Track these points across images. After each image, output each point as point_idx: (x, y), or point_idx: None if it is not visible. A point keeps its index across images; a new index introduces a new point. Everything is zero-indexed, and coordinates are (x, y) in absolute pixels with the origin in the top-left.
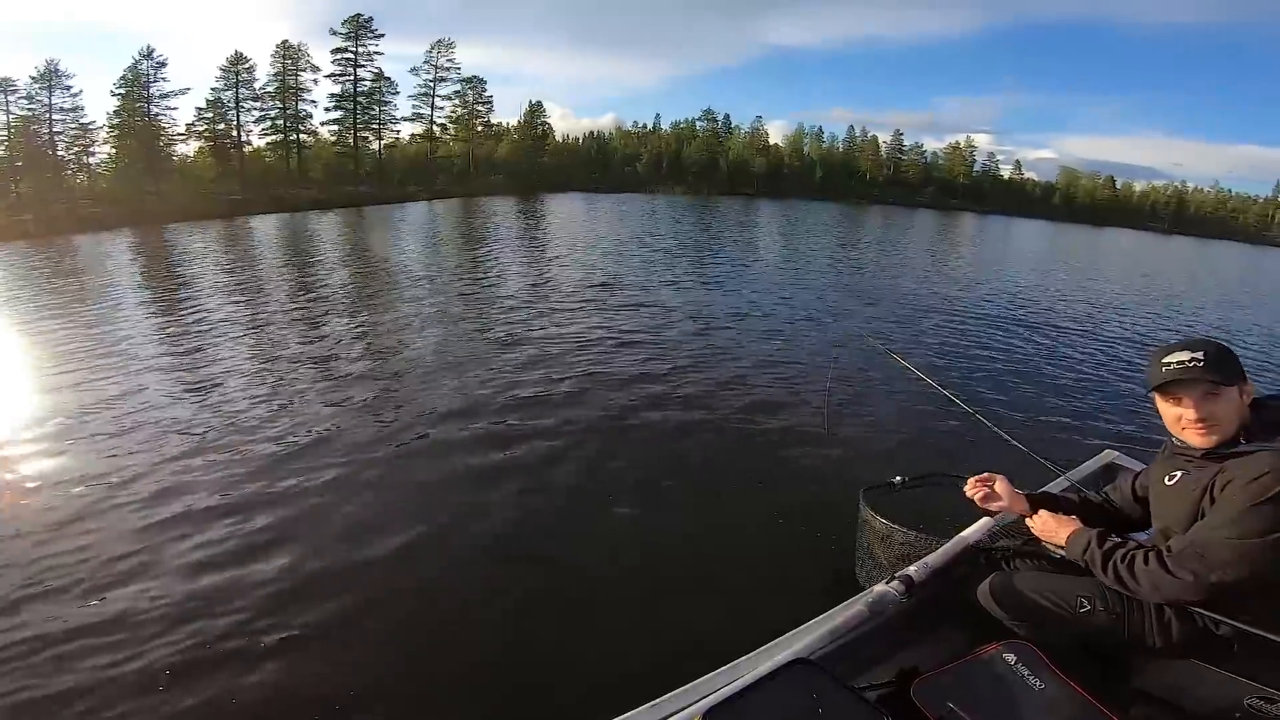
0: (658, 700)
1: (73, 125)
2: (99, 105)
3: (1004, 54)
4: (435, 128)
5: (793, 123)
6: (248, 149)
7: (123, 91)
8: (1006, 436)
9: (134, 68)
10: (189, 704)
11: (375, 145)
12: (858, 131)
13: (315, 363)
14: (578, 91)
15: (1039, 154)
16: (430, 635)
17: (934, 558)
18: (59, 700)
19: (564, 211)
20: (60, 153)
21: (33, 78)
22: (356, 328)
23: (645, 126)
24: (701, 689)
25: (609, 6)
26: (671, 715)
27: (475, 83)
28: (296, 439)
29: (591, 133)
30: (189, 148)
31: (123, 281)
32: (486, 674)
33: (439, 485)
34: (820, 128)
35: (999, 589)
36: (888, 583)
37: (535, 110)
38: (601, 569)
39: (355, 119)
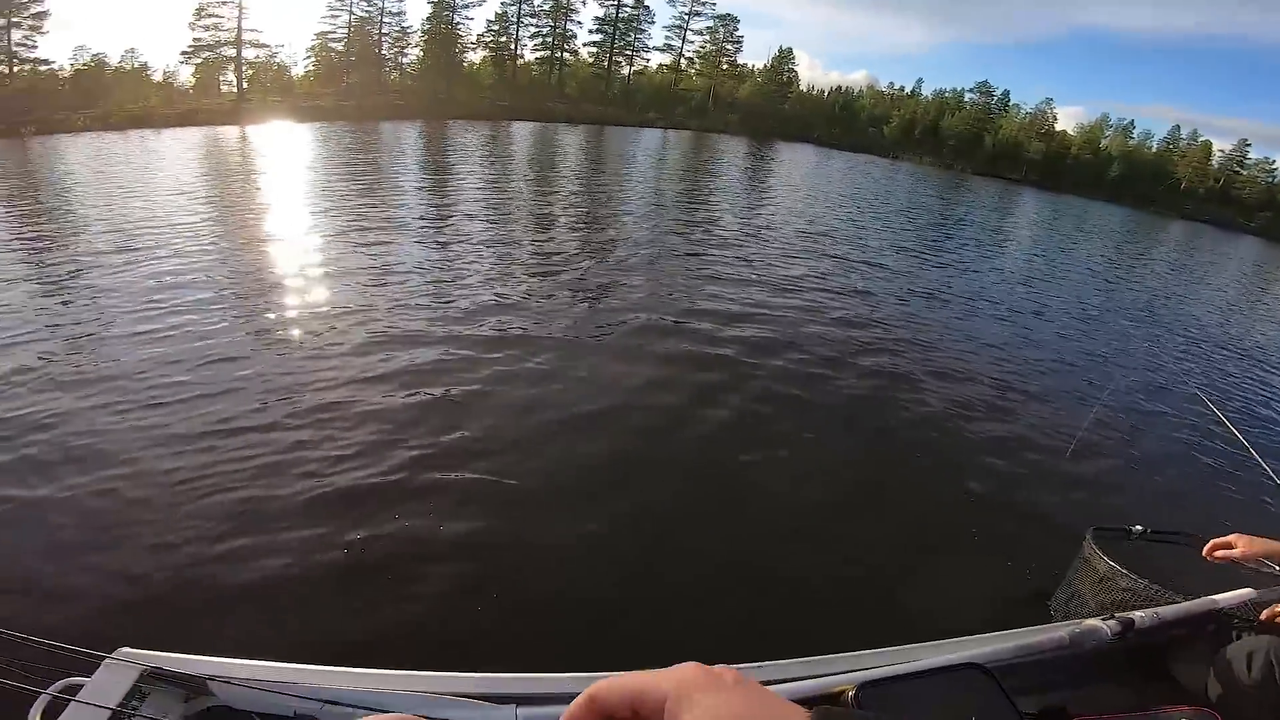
0: (815, 658)
1: (396, 29)
2: (415, 11)
3: None
4: (682, 60)
5: (1092, 111)
6: (520, 62)
7: (435, 0)
8: None
9: None
10: (359, 521)
11: (625, 70)
12: (1183, 133)
13: (537, 251)
14: (831, 43)
15: None
16: (595, 522)
17: (1168, 611)
18: (265, 511)
19: (795, 161)
20: (384, 51)
21: None
22: (578, 227)
23: (902, 89)
24: (863, 660)
25: None
26: (827, 675)
27: (728, 20)
28: (505, 313)
29: (839, 87)
30: (476, 56)
31: (409, 161)
32: (635, 564)
33: (620, 377)
34: (1131, 122)
35: (1222, 657)
36: (1104, 620)
37: (784, 56)
38: (770, 510)
39: (613, 43)
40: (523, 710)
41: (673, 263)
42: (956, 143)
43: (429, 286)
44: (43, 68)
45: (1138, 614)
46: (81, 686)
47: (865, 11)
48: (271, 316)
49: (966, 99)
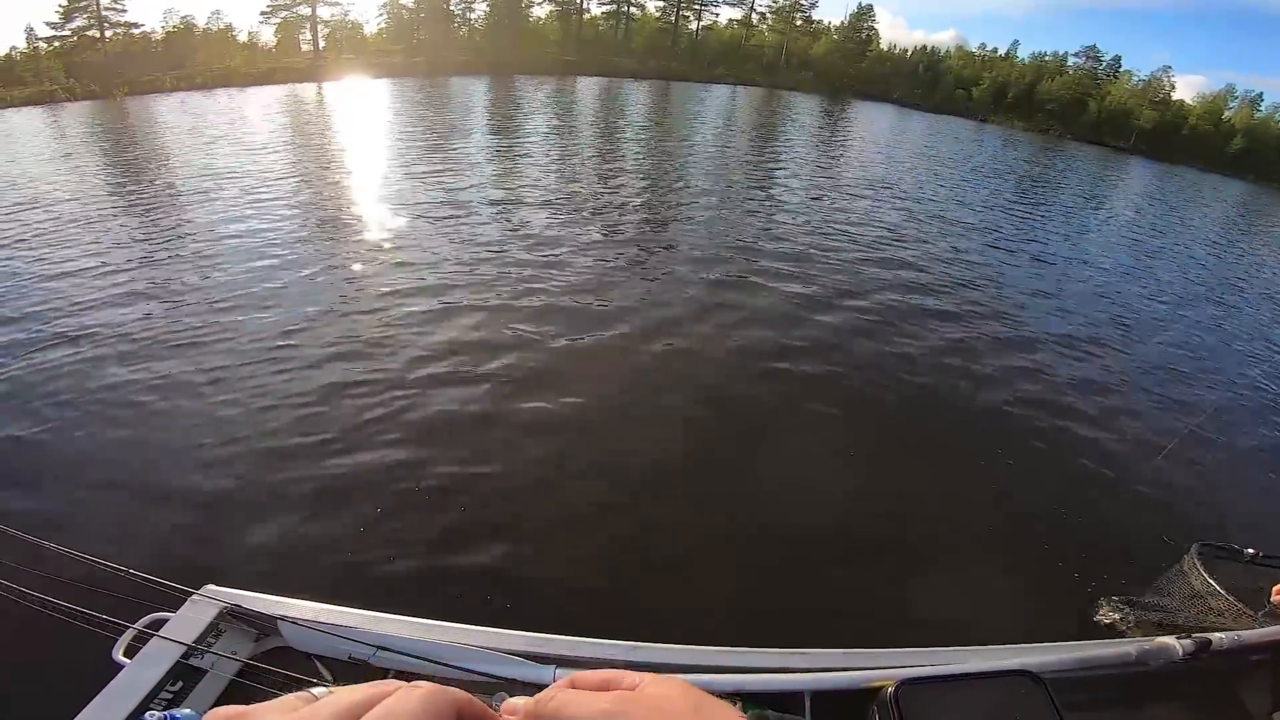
0: (858, 650)
1: None
2: None
3: None
4: (754, 15)
5: (1215, 81)
6: (586, 17)
7: None
8: None
9: None
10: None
11: (694, 25)
12: None
13: (599, 198)
14: (917, 1)
15: None
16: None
17: (1250, 635)
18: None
19: (871, 120)
20: (452, 8)
21: None
22: (639, 179)
23: (994, 51)
24: (909, 658)
25: None
26: (867, 669)
27: None
28: (561, 251)
29: (924, 46)
30: (542, 11)
31: (477, 114)
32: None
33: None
34: (1260, 94)
35: None
36: (1178, 638)
37: (864, 13)
38: (815, 484)
39: None
40: (561, 671)
41: (733, 214)
42: (1055, 107)
43: (491, 231)
44: (135, 31)
45: (1216, 635)
46: (165, 621)
47: None
48: (337, 256)
49: (1070, 63)
